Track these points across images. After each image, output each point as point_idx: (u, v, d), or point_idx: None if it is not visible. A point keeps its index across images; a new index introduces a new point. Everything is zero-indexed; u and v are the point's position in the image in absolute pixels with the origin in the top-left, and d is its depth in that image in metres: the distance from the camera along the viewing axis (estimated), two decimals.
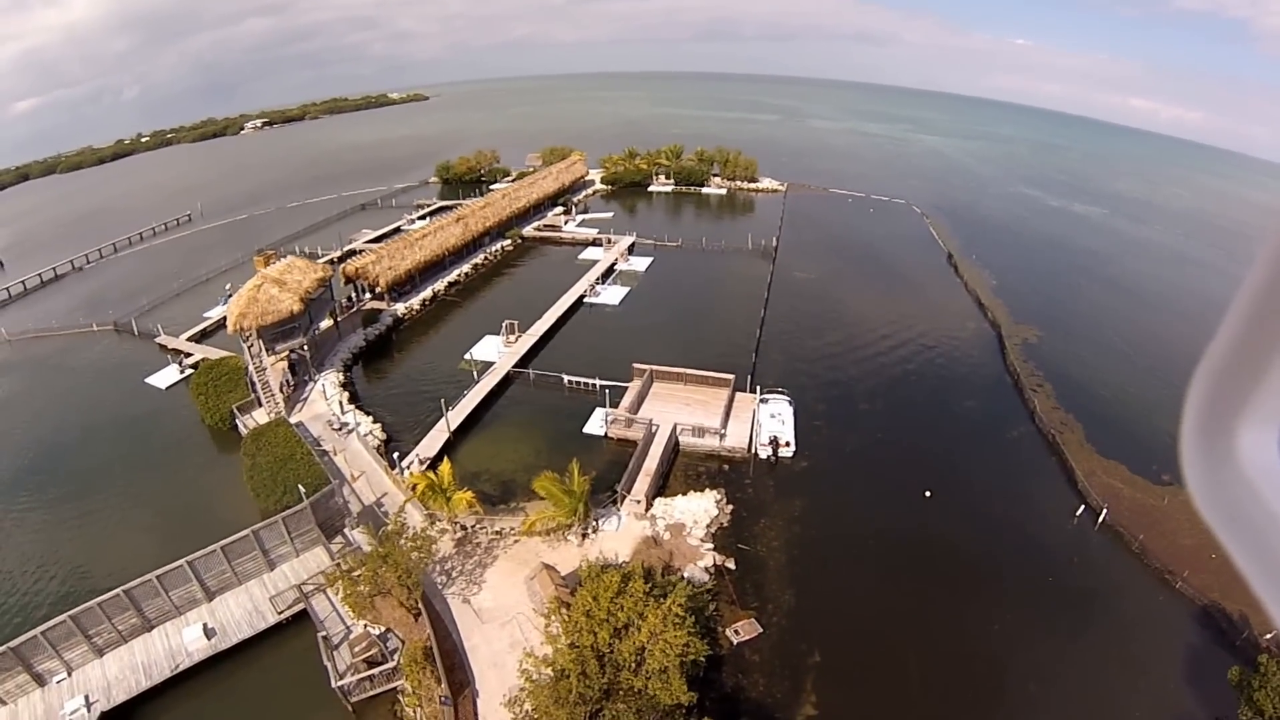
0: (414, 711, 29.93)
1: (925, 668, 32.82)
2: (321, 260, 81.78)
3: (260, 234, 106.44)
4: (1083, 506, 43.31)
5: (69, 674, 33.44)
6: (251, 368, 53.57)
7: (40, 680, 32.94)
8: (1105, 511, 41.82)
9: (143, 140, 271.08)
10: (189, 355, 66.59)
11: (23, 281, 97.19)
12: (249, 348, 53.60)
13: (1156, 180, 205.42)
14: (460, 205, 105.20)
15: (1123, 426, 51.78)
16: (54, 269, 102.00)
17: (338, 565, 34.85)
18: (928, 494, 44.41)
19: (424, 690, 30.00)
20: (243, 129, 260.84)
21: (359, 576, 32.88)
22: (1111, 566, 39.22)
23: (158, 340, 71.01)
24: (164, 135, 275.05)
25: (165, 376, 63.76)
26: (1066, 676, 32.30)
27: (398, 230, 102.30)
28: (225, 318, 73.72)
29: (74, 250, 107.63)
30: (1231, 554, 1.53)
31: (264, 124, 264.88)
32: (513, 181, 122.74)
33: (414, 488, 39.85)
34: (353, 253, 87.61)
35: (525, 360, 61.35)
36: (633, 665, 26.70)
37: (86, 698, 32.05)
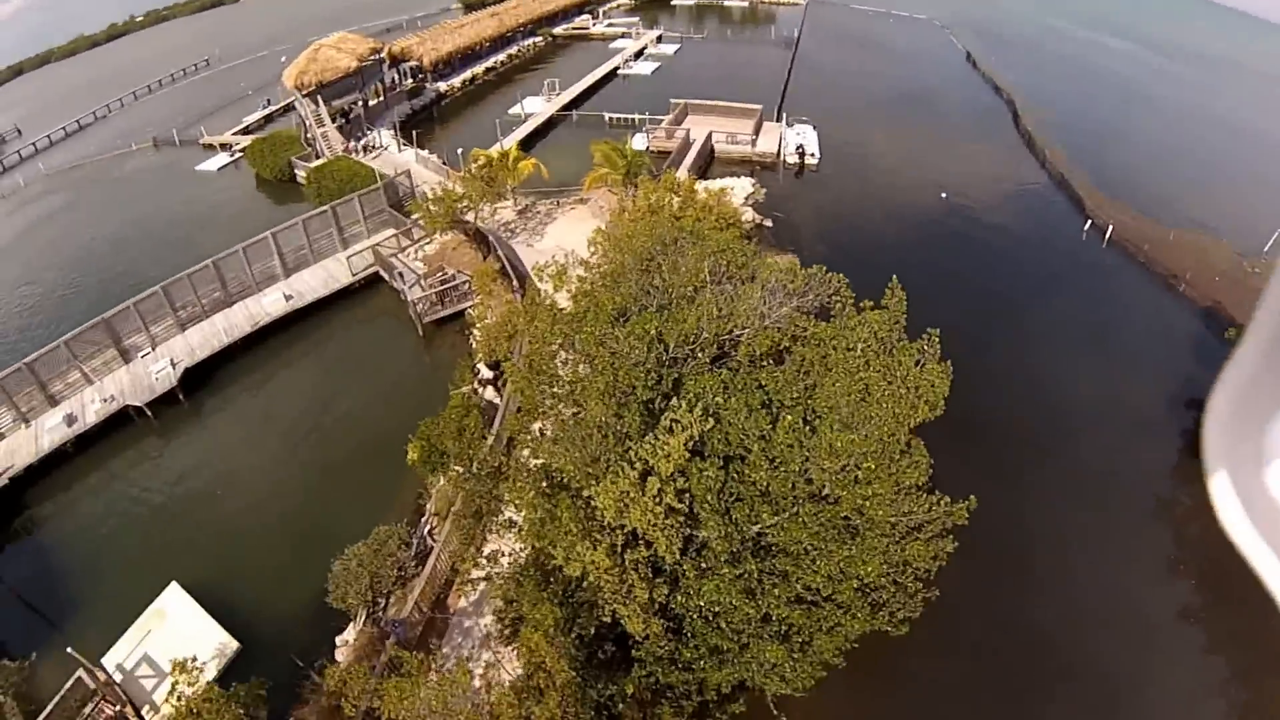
0: (482, 320, 34.94)
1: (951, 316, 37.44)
2: None
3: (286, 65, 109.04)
4: (1089, 222, 46.95)
5: (153, 348, 38.37)
6: (311, 121, 58.31)
7: (126, 356, 37.88)
8: (1111, 228, 45.27)
9: (137, 20, 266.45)
10: (235, 145, 70.73)
11: (47, 135, 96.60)
12: (307, 104, 58.01)
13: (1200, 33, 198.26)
14: None
15: (1134, 184, 53.87)
16: (77, 121, 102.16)
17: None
18: (944, 195, 48.76)
19: (494, 297, 35.14)
20: None
21: (440, 196, 38.10)
22: (1120, 273, 43.21)
23: (201, 141, 74.66)
24: (158, 13, 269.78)
25: (215, 162, 68.32)
26: (1075, 359, 36.26)
27: None
28: (268, 118, 78.56)
29: (94, 104, 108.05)
30: (1251, 560, 1.52)
31: None
32: None
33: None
34: None
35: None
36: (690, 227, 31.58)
37: (171, 360, 37.10)
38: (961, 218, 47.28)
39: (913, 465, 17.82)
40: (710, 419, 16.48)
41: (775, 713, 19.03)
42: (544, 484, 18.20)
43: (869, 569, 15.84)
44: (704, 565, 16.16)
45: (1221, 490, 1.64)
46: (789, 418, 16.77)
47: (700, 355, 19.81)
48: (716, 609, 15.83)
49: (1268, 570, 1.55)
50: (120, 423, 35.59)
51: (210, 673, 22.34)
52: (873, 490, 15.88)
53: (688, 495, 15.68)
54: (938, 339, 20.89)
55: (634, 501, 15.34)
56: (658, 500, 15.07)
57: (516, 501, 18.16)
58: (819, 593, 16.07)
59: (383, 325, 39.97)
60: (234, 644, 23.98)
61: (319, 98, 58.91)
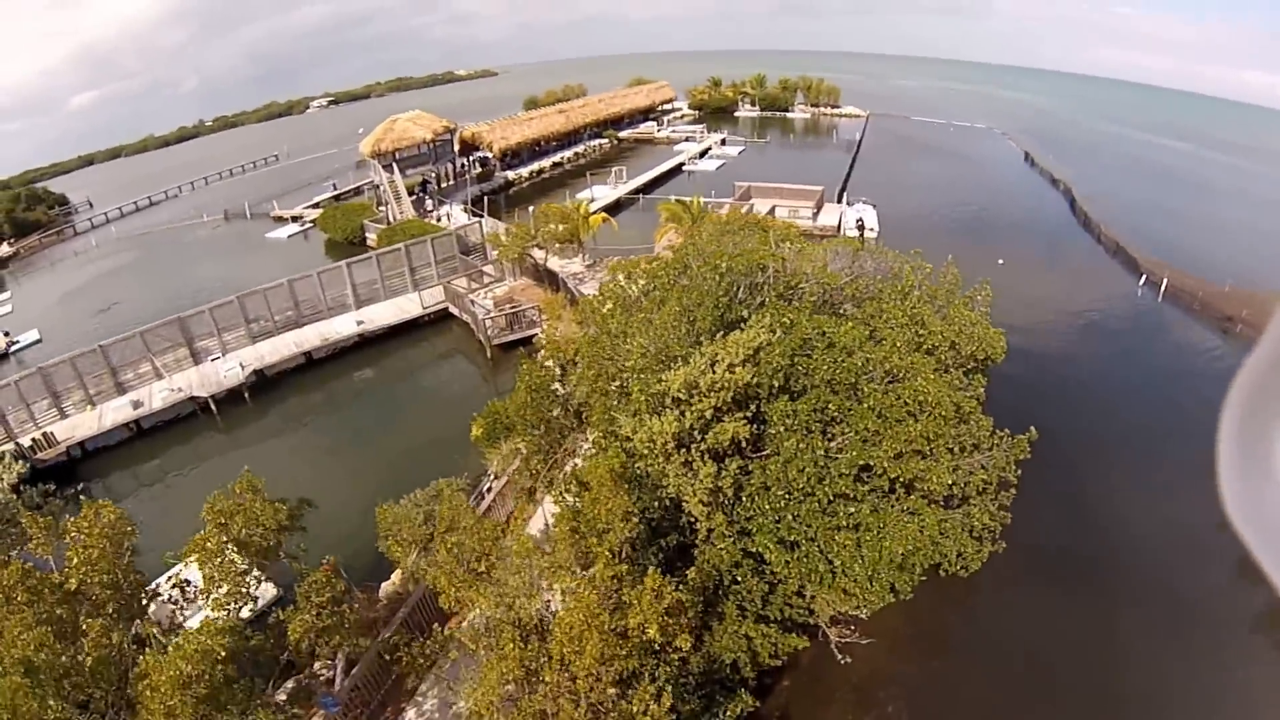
0: (550, 338, 37.23)
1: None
2: None
3: (354, 161, 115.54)
4: (1144, 277, 49.68)
5: (223, 354, 41.40)
6: (386, 187, 63.09)
7: (196, 357, 41.05)
8: (1165, 283, 47.42)
9: (206, 125, 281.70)
10: (306, 217, 76.25)
11: (118, 207, 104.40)
12: (383, 171, 63.02)
13: (1256, 134, 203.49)
14: None
15: (1189, 256, 54.86)
16: (148, 197, 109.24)
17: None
18: (1000, 261, 51.37)
19: (563, 322, 37.54)
20: (308, 108, 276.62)
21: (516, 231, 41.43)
22: (1173, 322, 45.52)
23: (272, 214, 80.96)
24: (227, 119, 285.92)
25: (285, 231, 74.01)
26: (1136, 394, 37.51)
27: None
28: (336, 198, 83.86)
29: (164, 186, 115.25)
30: (1262, 564, 1.59)
31: (330, 102, 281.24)
32: None
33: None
34: None
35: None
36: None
37: (240, 363, 40.00)
38: (1018, 281, 49.39)
39: (970, 388, 19.48)
40: (776, 332, 18.40)
41: (840, 655, 19.92)
42: (614, 383, 20.02)
43: (937, 475, 17.18)
44: (769, 467, 17.54)
45: (1231, 481, 1.80)
46: (850, 324, 18.68)
47: (765, 295, 21.85)
48: (785, 500, 17.16)
49: (1269, 560, 1.69)
50: (185, 418, 38.51)
51: (244, 614, 23.12)
52: (933, 391, 17.46)
53: (755, 377, 17.44)
54: (989, 286, 22.62)
55: (702, 376, 17.11)
56: (730, 371, 16.84)
57: (587, 392, 19.85)
58: (886, 479, 17.42)
59: (452, 355, 43.30)
60: (272, 589, 24.20)
61: (394, 166, 63.73)
